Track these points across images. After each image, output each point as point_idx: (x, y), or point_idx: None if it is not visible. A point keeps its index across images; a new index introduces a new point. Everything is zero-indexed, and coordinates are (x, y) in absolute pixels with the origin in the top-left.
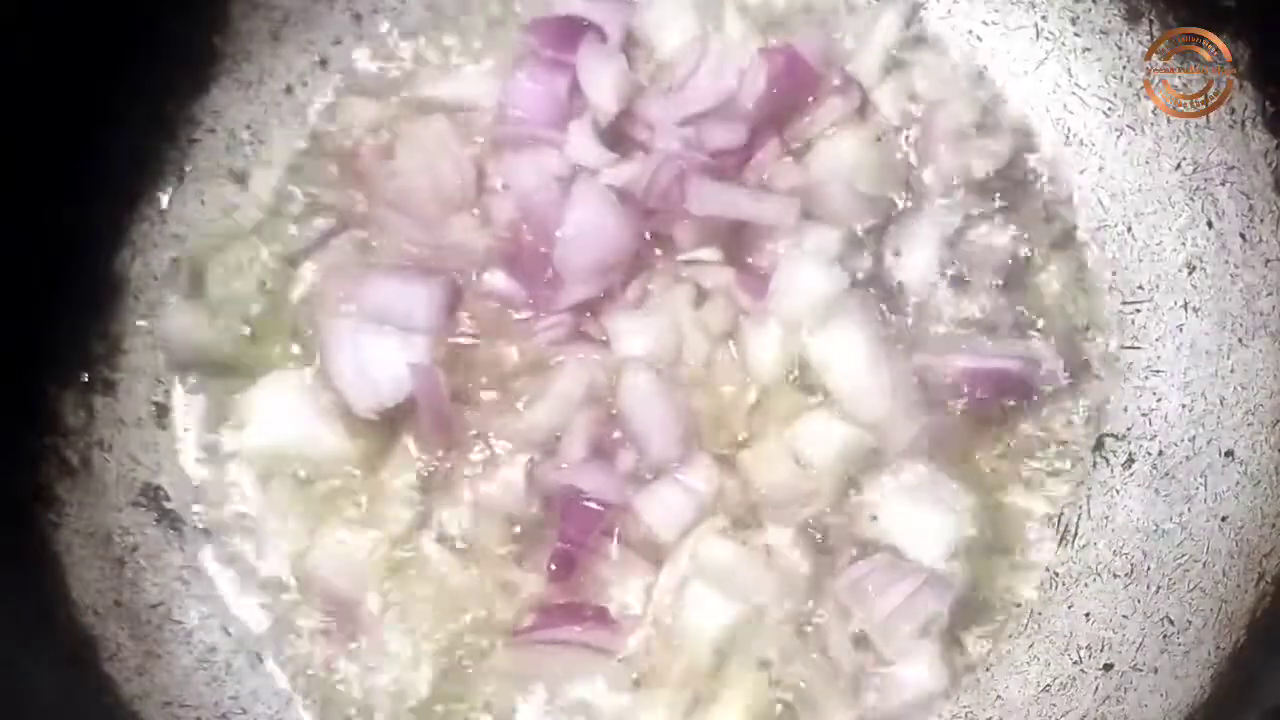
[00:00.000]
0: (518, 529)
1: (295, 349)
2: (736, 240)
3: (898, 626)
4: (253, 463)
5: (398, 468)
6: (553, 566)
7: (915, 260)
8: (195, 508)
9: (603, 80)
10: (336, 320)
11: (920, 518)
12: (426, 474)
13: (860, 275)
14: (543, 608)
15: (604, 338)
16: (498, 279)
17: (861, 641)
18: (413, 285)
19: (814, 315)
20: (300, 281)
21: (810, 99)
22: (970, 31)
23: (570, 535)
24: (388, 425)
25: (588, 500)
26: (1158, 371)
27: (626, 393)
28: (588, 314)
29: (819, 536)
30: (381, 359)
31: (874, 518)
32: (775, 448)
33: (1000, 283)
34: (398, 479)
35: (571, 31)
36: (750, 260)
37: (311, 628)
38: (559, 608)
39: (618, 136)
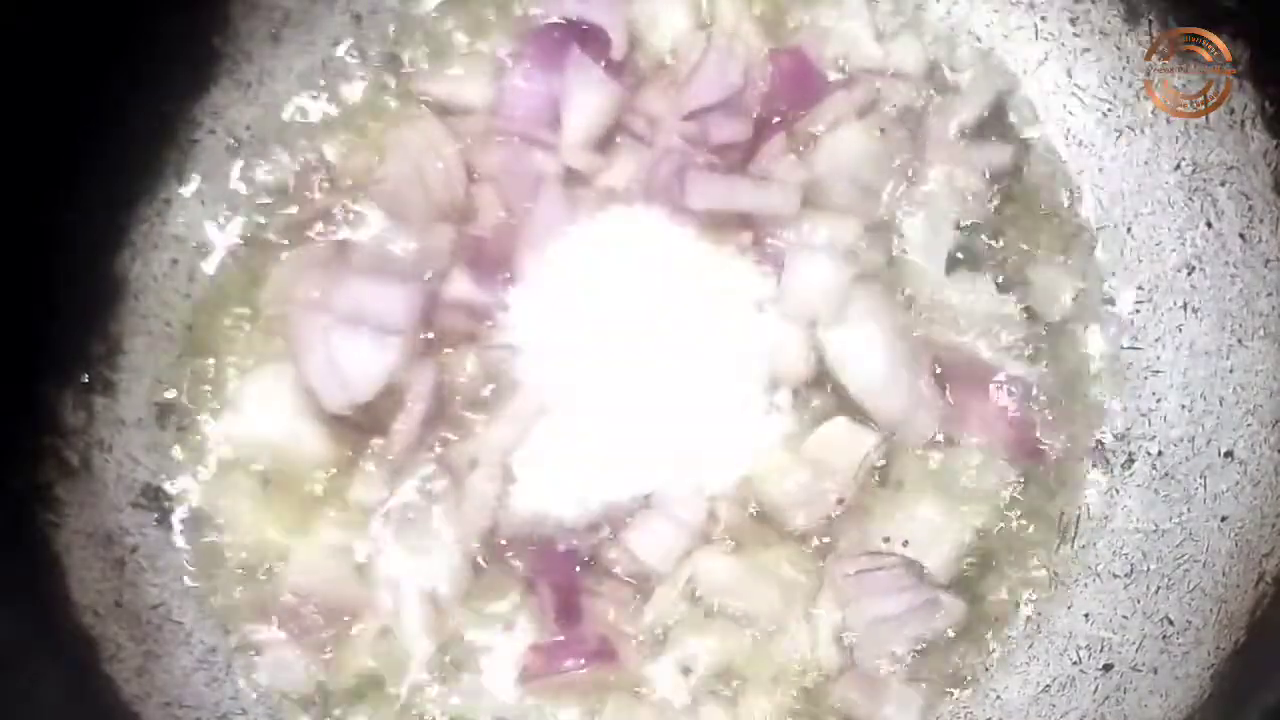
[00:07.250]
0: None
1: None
2: (742, 235)
3: (882, 640)
4: (235, 450)
5: (366, 474)
6: (557, 616)
7: (914, 259)
8: (194, 507)
9: (585, 103)
10: (309, 316)
11: (923, 519)
12: (393, 482)
13: (867, 271)
14: (541, 645)
15: None
16: (467, 286)
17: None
18: (389, 287)
19: (825, 311)
20: (279, 278)
21: (816, 94)
22: (969, 32)
23: (556, 581)
24: (360, 427)
25: (561, 545)
26: (1157, 372)
27: None
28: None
29: (825, 542)
30: (354, 357)
31: (886, 539)
32: (783, 454)
33: (999, 282)
34: (368, 487)
35: (566, 38)
36: (758, 255)
37: (302, 628)
38: (558, 644)
39: (616, 131)
